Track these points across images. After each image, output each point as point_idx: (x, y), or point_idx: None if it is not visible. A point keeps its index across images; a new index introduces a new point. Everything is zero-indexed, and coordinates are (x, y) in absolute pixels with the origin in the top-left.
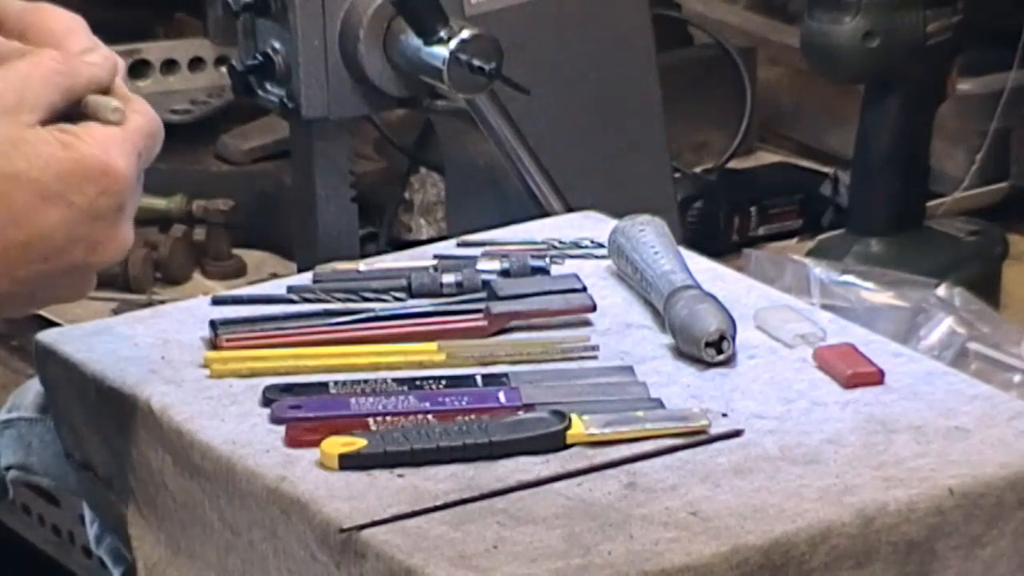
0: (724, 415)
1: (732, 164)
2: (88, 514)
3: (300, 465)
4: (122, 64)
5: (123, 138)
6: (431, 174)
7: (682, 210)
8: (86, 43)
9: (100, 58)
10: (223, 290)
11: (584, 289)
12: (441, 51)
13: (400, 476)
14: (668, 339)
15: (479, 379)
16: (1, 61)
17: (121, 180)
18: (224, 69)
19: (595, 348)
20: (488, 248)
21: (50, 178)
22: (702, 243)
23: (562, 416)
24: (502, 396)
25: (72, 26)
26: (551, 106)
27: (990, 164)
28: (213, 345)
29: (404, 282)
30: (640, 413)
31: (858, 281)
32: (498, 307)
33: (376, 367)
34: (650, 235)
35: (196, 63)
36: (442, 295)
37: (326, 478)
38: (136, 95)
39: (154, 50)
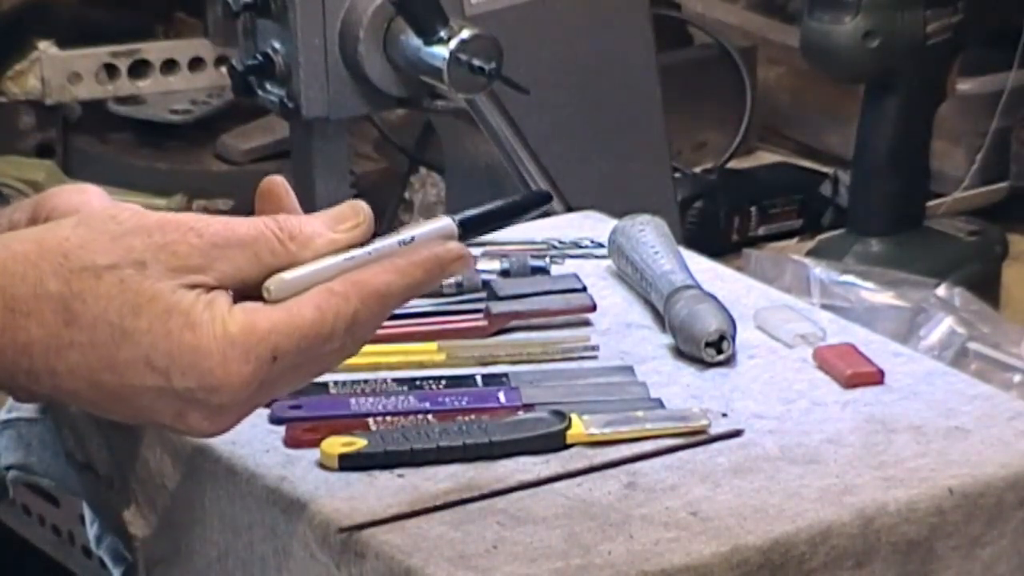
0: (724, 415)
1: (732, 164)
2: (88, 514)
3: (300, 465)
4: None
5: (258, 338)
6: (431, 174)
7: (682, 210)
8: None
9: (334, 239)
10: None
11: (584, 289)
12: (441, 51)
13: (400, 476)
14: (668, 339)
15: (479, 379)
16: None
17: (224, 385)
18: (224, 69)
19: (595, 348)
20: (488, 248)
21: (160, 353)
22: (702, 243)
23: (562, 416)
24: (502, 396)
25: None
26: (551, 106)
27: (990, 164)
28: None
29: None
30: (640, 413)
31: (858, 281)
32: (498, 307)
33: (376, 367)
34: (650, 235)
35: (196, 63)
36: (442, 295)
37: (326, 478)
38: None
39: (154, 50)
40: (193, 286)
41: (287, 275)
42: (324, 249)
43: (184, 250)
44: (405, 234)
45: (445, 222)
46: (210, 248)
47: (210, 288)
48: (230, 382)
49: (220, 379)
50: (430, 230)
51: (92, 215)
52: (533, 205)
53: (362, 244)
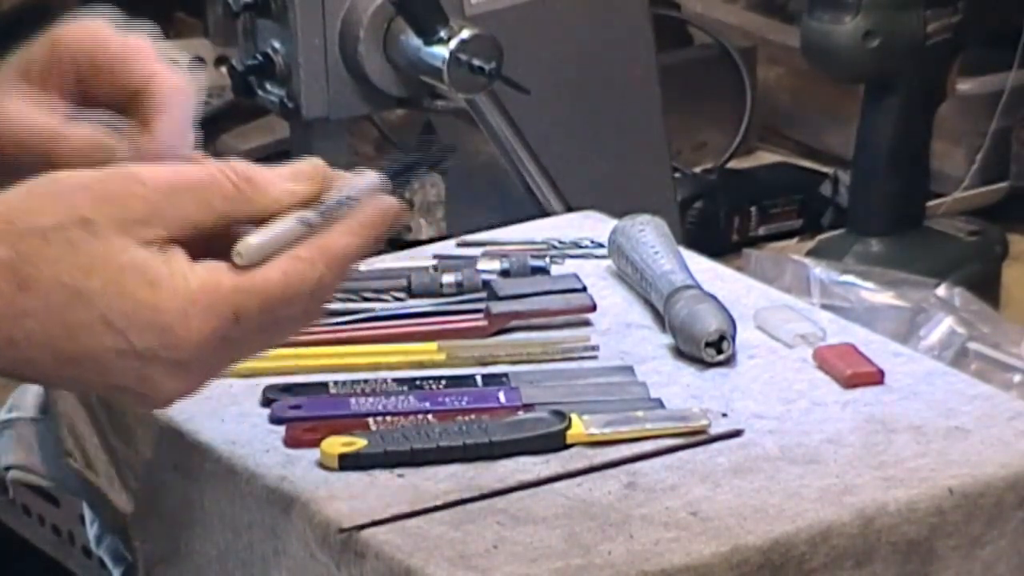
0: (724, 415)
1: (732, 164)
2: (88, 514)
3: (300, 465)
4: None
5: (221, 297)
6: (431, 174)
7: (682, 210)
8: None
9: (293, 190)
10: None
11: (584, 289)
12: (441, 51)
13: (400, 476)
14: (668, 339)
15: (479, 379)
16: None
17: (185, 342)
18: (224, 69)
19: (595, 348)
20: (488, 248)
21: (117, 313)
22: (702, 243)
23: (562, 416)
24: (502, 396)
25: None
26: (551, 106)
27: (990, 164)
28: None
29: (404, 282)
30: (640, 413)
31: (858, 281)
32: (498, 307)
33: (376, 367)
34: (650, 235)
35: (196, 63)
36: (442, 295)
37: (326, 478)
38: (313, 245)
39: None
40: (147, 243)
41: (254, 240)
42: (283, 199)
43: (129, 201)
44: (344, 192)
45: (373, 176)
46: (156, 196)
47: (165, 243)
48: (191, 338)
49: (181, 336)
50: (366, 186)
51: (36, 179)
52: (439, 159)
53: (308, 205)
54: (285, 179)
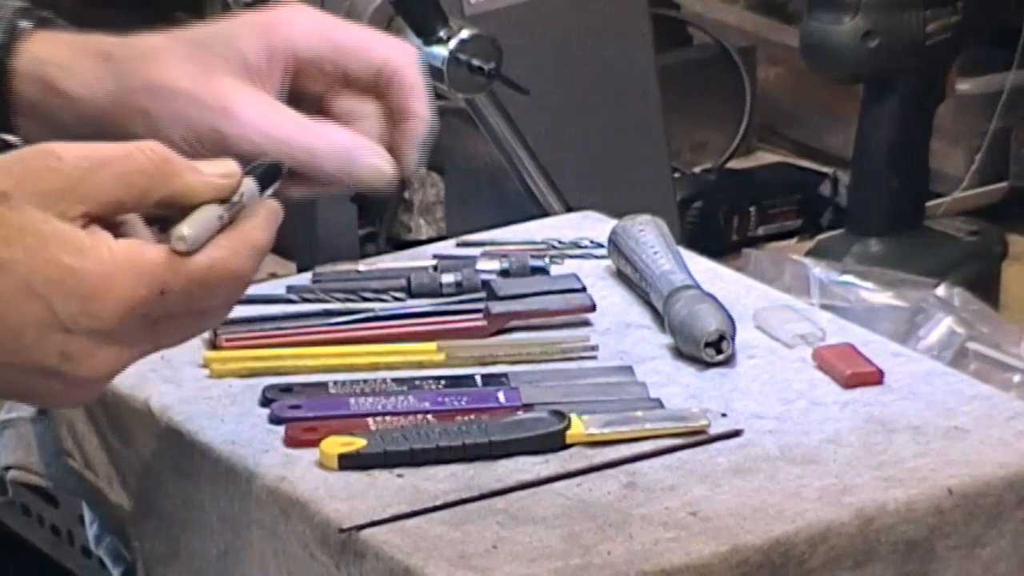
0: (724, 415)
1: (732, 164)
2: (88, 514)
3: (300, 465)
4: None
5: (147, 269)
6: (431, 174)
7: (682, 210)
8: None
9: (219, 175)
10: None
11: (584, 289)
12: (441, 51)
13: (400, 476)
14: (668, 339)
15: (479, 379)
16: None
17: (109, 308)
18: None
19: (595, 348)
20: (488, 248)
21: (40, 279)
22: (702, 243)
23: (562, 416)
24: (502, 396)
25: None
26: (551, 106)
27: (990, 164)
28: (212, 345)
29: (404, 282)
30: (640, 413)
31: (858, 281)
32: (498, 307)
33: (376, 367)
34: (650, 235)
35: None
36: (442, 295)
37: (326, 478)
38: (253, 231)
39: None
40: (69, 218)
41: (188, 228)
42: (197, 186)
43: (47, 174)
44: (242, 187)
45: (250, 178)
46: (73, 170)
47: (87, 220)
48: (116, 306)
49: (104, 302)
50: (252, 182)
51: None
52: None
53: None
54: (200, 169)
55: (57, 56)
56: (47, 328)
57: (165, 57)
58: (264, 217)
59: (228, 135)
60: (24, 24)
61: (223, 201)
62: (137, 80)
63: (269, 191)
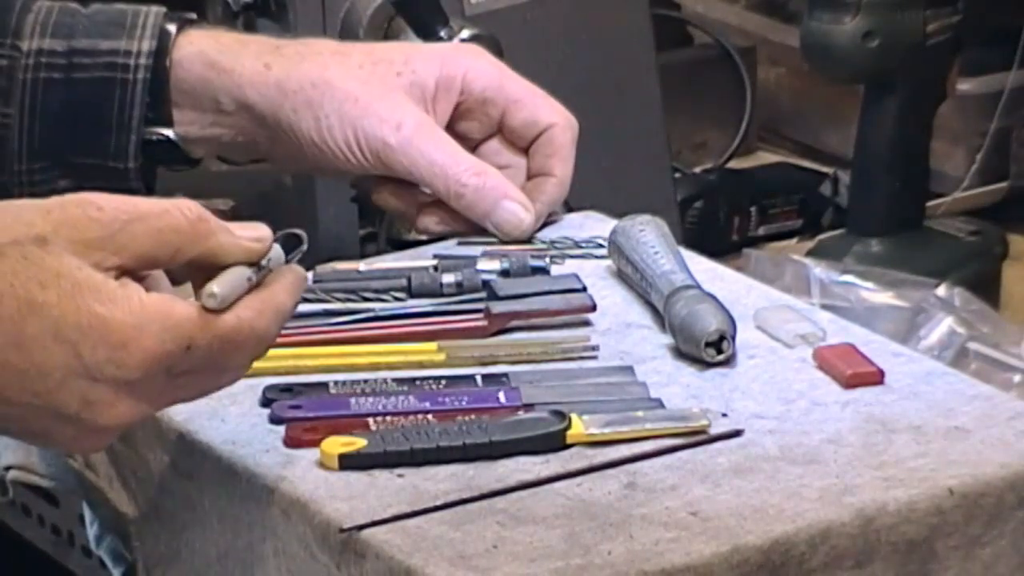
0: (724, 415)
1: (732, 164)
2: (88, 514)
3: (300, 465)
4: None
5: (176, 323)
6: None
7: (682, 210)
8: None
9: (252, 238)
10: None
11: (584, 289)
12: None
13: (400, 476)
14: (668, 339)
15: (479, 379)
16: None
17: (136, 357)
18: None
19: (595, 348)
20: (488, 248)
21: (70, 324)
22: (702, 243)
23: (562, 416)
24: (502, 396)
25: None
26: None
27: (990, 164)
28: None
29: (404, 282)
30: (640, 413)
31: (858, 281)
32: (498, 307)
33: (376, 367)
34: (650, 235)
35: None
36: (442, 295)
37: (326, 478)
38: (275, 297)
39: None
40: (103, 268)
41: (218, 288)
42: (230, 248)
43: (85, 223)
44: (271, 252)
45: (277, 244)
46: (112, 222)
47: (120, 272)
48: (143, 355)
49: (131, 352)
50: (278, 247)
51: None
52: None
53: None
54: (234, 231)
55: (219, 43)
56: (72, 374)
57: (338, 60)
58: (291, 281)
59: (392, 147)
60: (170, 27)
61: (252, 264)
62: (308, 75)
63: (293, 258)
